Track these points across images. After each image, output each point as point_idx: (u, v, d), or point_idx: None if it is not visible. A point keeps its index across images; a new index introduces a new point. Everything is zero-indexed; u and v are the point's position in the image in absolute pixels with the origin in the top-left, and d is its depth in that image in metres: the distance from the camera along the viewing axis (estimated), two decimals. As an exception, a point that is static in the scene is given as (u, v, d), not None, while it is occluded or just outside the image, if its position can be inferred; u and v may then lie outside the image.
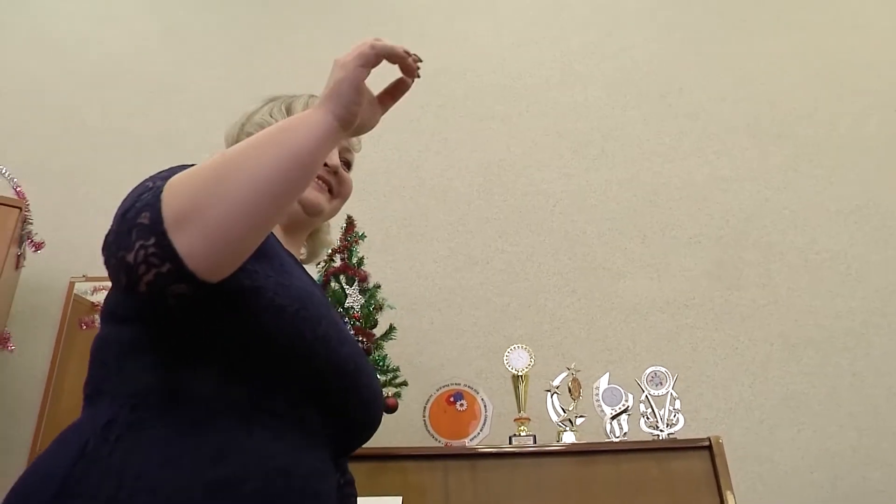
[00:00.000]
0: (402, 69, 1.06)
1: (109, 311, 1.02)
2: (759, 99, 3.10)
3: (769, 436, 2.56)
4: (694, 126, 3.07)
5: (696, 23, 3.26)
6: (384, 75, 1.05)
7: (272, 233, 1.12)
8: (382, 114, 1.09)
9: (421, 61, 1.05)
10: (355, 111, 0.98)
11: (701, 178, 2.97)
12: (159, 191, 0.87)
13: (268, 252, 1.03)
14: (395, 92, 1.09)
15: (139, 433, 0.88)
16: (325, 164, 1.27)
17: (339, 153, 1.33)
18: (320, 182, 1.27)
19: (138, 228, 0.84)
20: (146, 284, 0.84)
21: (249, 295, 0.96)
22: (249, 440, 0.92)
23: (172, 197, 0.86)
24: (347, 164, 1.37)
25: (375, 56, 0.99)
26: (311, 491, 0.97)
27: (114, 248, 0.87)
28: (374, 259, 2.79)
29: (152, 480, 0.84)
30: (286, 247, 1.22)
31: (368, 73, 0.99)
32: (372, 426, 1.18)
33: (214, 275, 0.86)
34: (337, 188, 1.31)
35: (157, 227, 0.84)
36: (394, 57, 1.02)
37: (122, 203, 0.90)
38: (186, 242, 0.83)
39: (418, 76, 1.05)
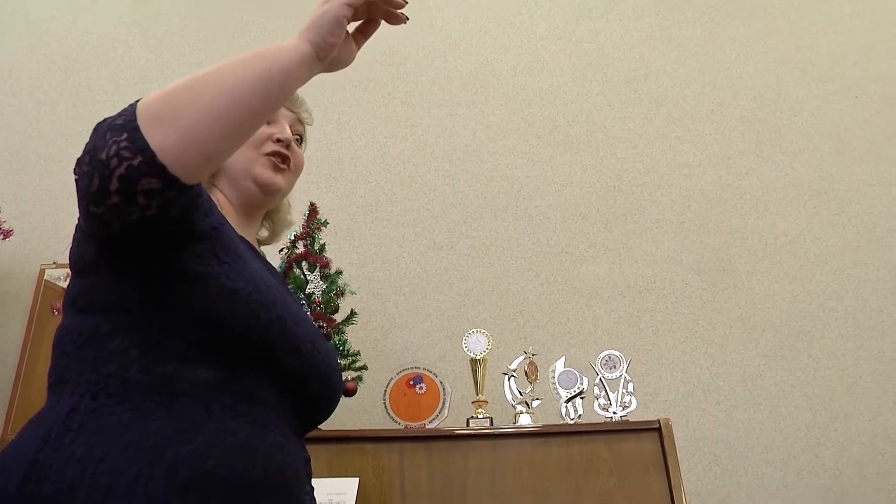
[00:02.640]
0: (387, 18, 1.09)
1: (71, 300, 1.05)
2: (724, 84, 3.14)
3: (726, 417, 2.62)
4: (658, 112, 3.10)
5: (663, 9, 3.29)
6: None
7: (227, 221, 1.15)
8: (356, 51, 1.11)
9: (406, 2, 1.08)
10: (332, 42, 1.01)
11: (664, 163, 3.01)
12: (135, 103, 0.92)
13: (223, 239, 1.06)
14: (366, 30, 1.12)
15: (100, 420, 0.92)
16: (279, 140, 1.29)
17: (291, 126, 1.35)
18: (274, 161, 1.29)
19: (112, 129, 0.89)
20: (118, 179, 0.87)
21: (204, 280, 1.00)
22: (210, 419, 0.96)
23: (148, 102, 0.91)
24: (299, 137, 1.39)
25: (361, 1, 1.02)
26: (274, 465, 1.00)
27: (86, 156, 0.90)
28: (341, 244, 2.84)
29: (114, 464, 0.88)
30: (243, 231, 1.25)
31: (352, 11, 1.02)
32: (330, 402, 1.22)
33: (185, 172, 0.89)
34: (290, 161, 1.32)
35: (130, 125, 0.88)
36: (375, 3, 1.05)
37: None
38: (159, 137, 0.88)
39: (406, 18, 1.09)
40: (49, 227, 2.90)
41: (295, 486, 1.07)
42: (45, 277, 2.92)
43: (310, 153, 2.97)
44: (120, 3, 3.45)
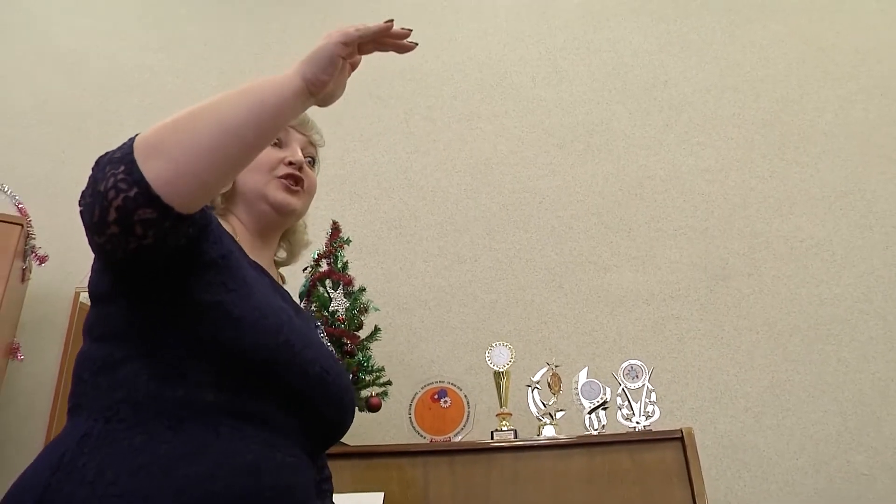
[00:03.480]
0: (395, 49, 1.13)
1: (88, 328, 1.10)
2: (744, 88, 3.12)
3: (754, 423, 2.60)
4: (679, 118, 3.10)
5: (681, 14, 3.28)
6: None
7: (237, 248, 1.19)
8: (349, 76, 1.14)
9: (410, 31, 1.12)
10: (324, 79, 1.05)
11: (686, 169, 3.00)
12: (133, 137, 0.96)
13: (231, 267, 1.10)
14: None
15: (112, 444, 0.96)
16: (290, 163, 1.32)
17: (303, 149, 1.38)
18: (289, 184, 1.31)
19: (111, 162, 0.93)
20: (115, 210, 0.91)
21: (211, 308, 1.03)
22: (217, 441, 0.99)
23: (145, 135, 0.95)
24: (311, 160, 1.41)
25: (359, 37, 1.07)
26: (283, 485, 1.03)
27: (88, 188, 0.95)
28: (365, 260, 2.88)
29: (124, 486, 0.91)
30: (258, 254, 1.29)
31: (348, 51, 1.07)
32: (342, 423, 1.24)
33: (180, 202, 0.93)
34: (303, 183, 1.34)
35: (127, 157, 0.93)
36: (378, 36, 1.09)
37: None
38: (153, 169, 0.92)
39: (414, 45, 1.13)
40: (83, 252, 2.92)
41: None
42: (80, 300, 3.01)
43: (333, 171, 3.05)
44: (146, 30, 3.55)
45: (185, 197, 0.94)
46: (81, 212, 0.96)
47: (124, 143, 0.96)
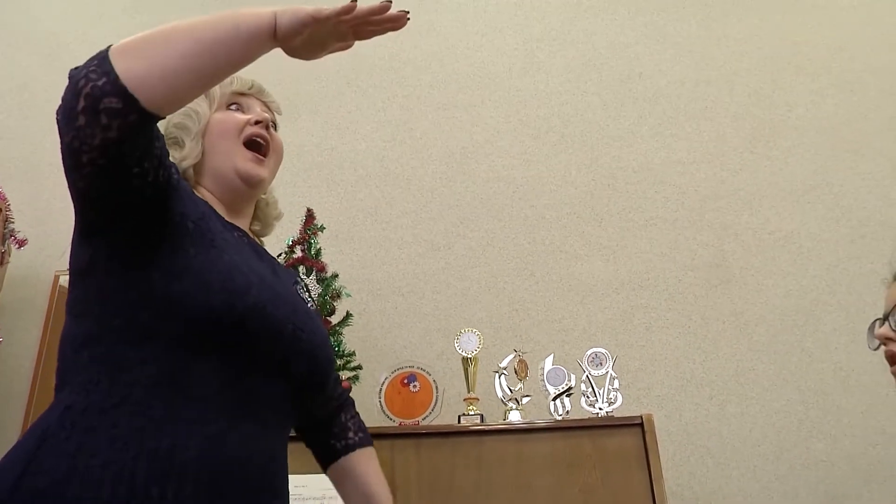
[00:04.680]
0: (386, 25, 1.12)
1: (69, 307, 1.13)
2: (718, 81, 3.17)
3: (718, 411, 2.66)
4: (653, 110, 3.14)
5: (658, 7, 3.32)
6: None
7: (214, 210, 1.23)
8: (325, 54, 1.15)
9: (389, 4, 1.10)
10: (290, 34, 1.07)
11: (658, 161, 3.05)
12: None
13: (201, 229, 1.13)
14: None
15: (91, 416, 1.00)
16: (257, 122, 1.34)
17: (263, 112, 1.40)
18: (256, 155, 1.33)
19: (87, 62, 0.99)
20: (83, 98, 0.96)
21: (179, 272, 1.07)
22: (188, 411, 1.03)
23: (123, 42, 1.00)
24: (273, 124, 1.43)
25: (325, 19, 1.07)
26: (250, 453, 1.07)
27: (65, 92, 0.99)
28: (341, 247, 2.92)
29: (104, 457, 0.96)
30: (233, 219, 1.31)
31: (315, 22, 1.07)
32: (320, 379, 1.27)
33: (145, 97, 0.98)
34: (269, 143, 1.36)
35: (101, 54, 0.99)
36: (359, 23, 1.10)
37: None
38: (124, 64, 0.97)
39: (406, 18, 1.12)
40: (63, 235, 2.96)
41: (273, 475, 1.13)
42: (59, 283, 3.04)
43: (311, 158, 3.09)
44: (128, 16, 3.56)
45: (152, 93, 0.98)
46: (58, 120, 1.01)
47: (103, 49, 1.01)
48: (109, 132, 0.97)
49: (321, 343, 1.26)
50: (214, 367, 1.07)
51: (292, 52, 1.12)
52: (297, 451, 1.32)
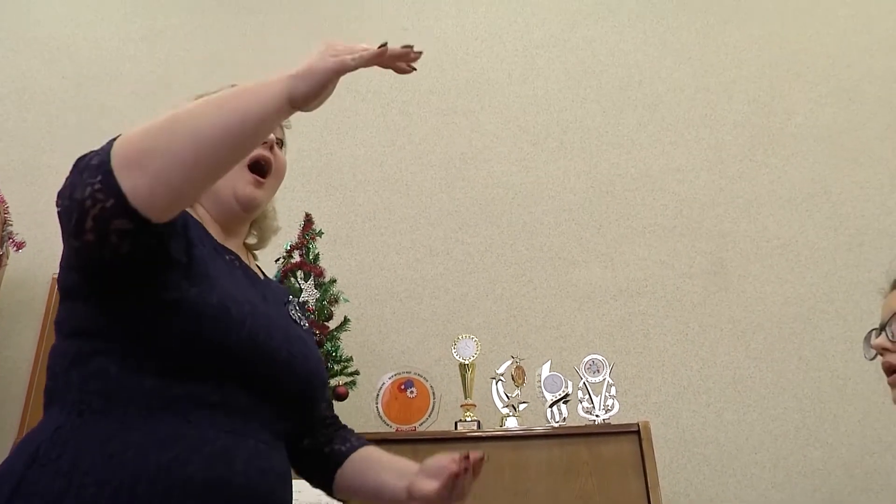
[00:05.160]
0: (394, 69, 1.10)
1: (58, 324, 1.11)
2: (717, 89, 3.17)
3: (716, 418, 2.66)
4: (652, 117, 3.14)
5: (657, 15, 3.33)
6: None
7: (207, 232, 1.22)
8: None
9: (412, 50, 1.07)
10: (311, 100, 1.03)
11: (657, 168, 3.05)
12: (112, 141, 0.97)
13: (194, 260, 1.11)
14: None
15: (84, 435, 0.98)
16: (262, 142, 1.29)
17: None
18: (255, 177, 1.31)
19: (88, 170, 0.94)
20: (92, 219, 0.92)
21: (173, 306, 1.05)
22: (188, 428, 1.01)
23: (122, 144, 0.96)
24: (280, 142, 1.40)
25: (355, 67, 1.03)
26: (254, 470, 1.06)
27: (66, 191, 0.96)
28: (340, 252, 2.92)
29: (99, 475, 0.94)
30: (226, 240, 1.29)
31: (338, 77, 1.04)
32: (313, 402, 1.26)
33: (155, 214, 0.95)
34: (272, 164, 1.33)
35: (104, 167, 0.93)
36: (375, 62, 1.06)
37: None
38: (130, 182, 0.92)
39: (412, 69, 1.10)
40: (60, 239, 3.00)
41: (277, 490, 1.12)
42: (56, 287, 3.03)
43: (310, 163, 3.09)
44: (128, 19, 3.56)
45: (161, 208, 0.96)
46: (59, 213, 0.98)
47: (102, 149, 0.96)
48: (120, 249, 0.96)
49: (314, 368, 1.25)
50: (211, 390, 1.06)
51: (308, 110, 1.08)
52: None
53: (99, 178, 0.93)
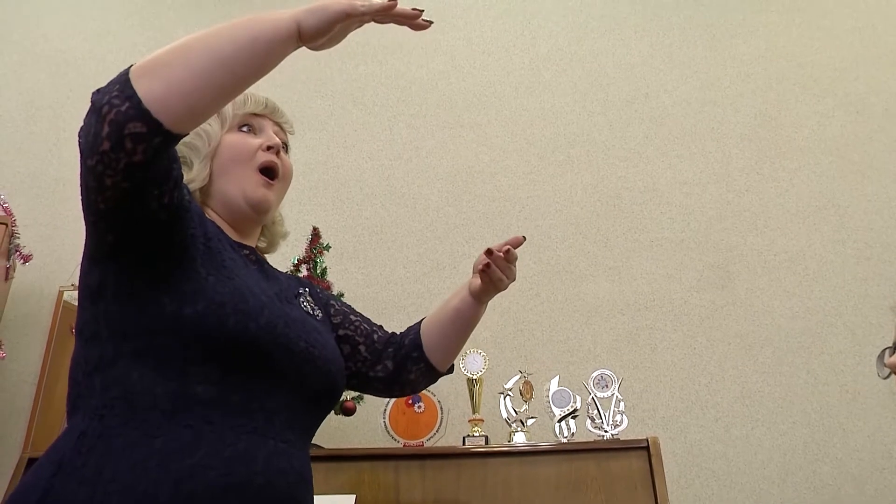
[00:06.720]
0: (410, 26, 1.16)
1: (79, 330, 1.13)
2: (724, 102, 3.17)
3: (724, 433, 2.64)
4: (659, 130, 3.14)
5: (664, 28, 3.33)
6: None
7: (222, 232, 1.24)
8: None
9: (421, 11, 1.14)
10: (318, 37, 1.08)
11: (664, 181, 3.05)
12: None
13: (212, 250, 1.15)
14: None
15: (108, 441, 1.00)
16: (269, 147, 1.34)
17: (276, 134, 1.39)
18: (266, 179, 1.33)
19: (109, 85, 1.00)
20: (108, 124, 0.96)
21: (192, 295, 1.08)
22: (210, 433, 1.03)
23: (141, 61, 1.01)
24: (285, 146, 1.43)
25: (362, 13, 1.08)
26: (274, 470, 1.07)
27: (89, 112, 1.00)
28: (346, 265, 2.92)
29: (124, 482, 0.96)
30: (240, 239, 1.32)
31: (351, 19, 1.08)
32: (333, 391, 1.28)
33: (168, 119, 0.98)
34: (279, 170, 1.36)
35: (122, 77, 0.99)
36: (382, 13, 1.10)
37: None
38: (145, 87, 0.97)
39: (428, 23, 1.16)
40: (67, 251, 3.00)
41: (298, 490, 1.13)
42: (63, 299, 3.03)
43: (316, 176, 3.09)
44: (134, 32, 3.57)
45: (175, 114, 0.99)
46: (79, 135, 1.02)
47: (123, 70, 1.01)
48: (135, 156, 0.98)
49: (332, 357, 1.27)
50: (232, 387, 1.08)
51: (315, 48, 1.13)
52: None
53: (117, 86, 0.98)
